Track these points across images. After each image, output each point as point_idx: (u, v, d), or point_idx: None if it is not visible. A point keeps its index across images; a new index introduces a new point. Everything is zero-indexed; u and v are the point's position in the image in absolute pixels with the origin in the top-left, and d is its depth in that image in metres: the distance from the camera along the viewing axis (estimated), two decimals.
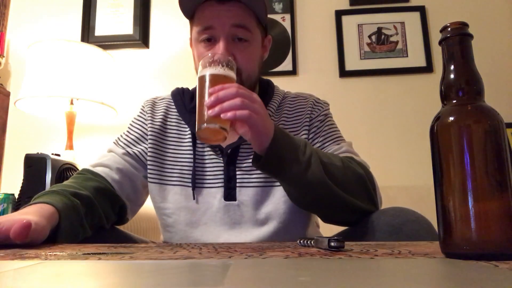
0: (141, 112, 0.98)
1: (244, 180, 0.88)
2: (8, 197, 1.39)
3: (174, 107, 0.96)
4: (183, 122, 0.94)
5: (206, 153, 0.90)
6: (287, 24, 1.94)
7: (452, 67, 0.44)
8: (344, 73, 1.89)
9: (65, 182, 0.83)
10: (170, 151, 0.92)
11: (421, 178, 1.69)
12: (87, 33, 1.99)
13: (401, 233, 0.72)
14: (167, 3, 2.03)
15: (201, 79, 0.74)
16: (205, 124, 0.70)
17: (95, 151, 1.86)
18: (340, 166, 0.78)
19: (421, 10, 1.91)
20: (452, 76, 0.44)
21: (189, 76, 1.83)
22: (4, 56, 1.98)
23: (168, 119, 0.95)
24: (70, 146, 1.69)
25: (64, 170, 1.42)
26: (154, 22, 2.02)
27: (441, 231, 0.43)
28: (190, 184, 0.89)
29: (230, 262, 0.40)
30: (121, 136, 0.96)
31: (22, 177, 1.37)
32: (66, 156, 1.62)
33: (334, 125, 0.95)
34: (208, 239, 0.87)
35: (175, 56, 1.96)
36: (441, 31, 0.46)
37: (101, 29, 1.99)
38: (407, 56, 1.88)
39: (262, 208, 0.87)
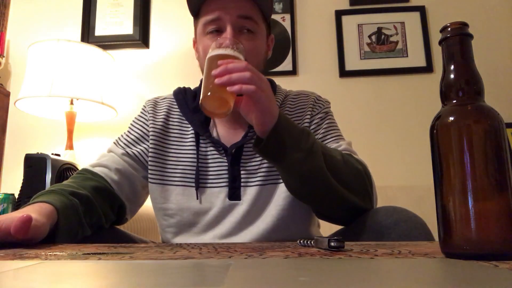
0: (142, 112, 0.97)
1: (248, 179, 0.88)
2: (8, 197, 1.39)
3: (176, 106, 0.96)
4: (185, 121, 0.93)
5: (209, 153, 0.90)
6: (287, 24, 1.94)
7: (452, 67, 0.44)
8: (344, 73, 1.89)
9: (64, 182, 0.83)
10: (172, 151, 0.92)
11: (421, 178, 1.69)
12: (87, 33, 1.99)
13: (393, 233, 0.72)
14: (167, 3, 2.03)
15: (210, 58, 0.74)
16: (211, 93, 0.70)
17: (95, 151, 1.86)
18: (340, 160, 0.78)
19: (421, 10, 1.91)
20: (452, 76, 0.44)
21: (189, 76, 1.84)
22: (4, 56, 1.98)
23: (170, 119, 0.95)
24: (70, 146, 1.69)
25: (64, 170, 1.42)
26: (154, 22, 2.02)
27: (441, 231, 0.43)
28: (192, 184, 0.88)
29: (230, 262, 0.40)
30: (122, 136, 0.96)
31: (22, 177, 1.37)
32: (66, 156, 1.63)
33: (334, 123, 0.95)
34: (211, 239, 0.87)
35: (175, 56, 1.96)
36: (441, 31, 0.46)
37: (101, 29, 1.99)
38: (407, 56, 1.89)
39: (264, 206, 0.87)
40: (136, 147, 0.93)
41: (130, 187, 0.90)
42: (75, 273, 0.36)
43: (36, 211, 0.66)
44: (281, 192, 0.87)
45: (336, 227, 0.89)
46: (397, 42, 1.90)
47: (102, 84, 1.68)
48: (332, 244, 0.48)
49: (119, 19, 2.00)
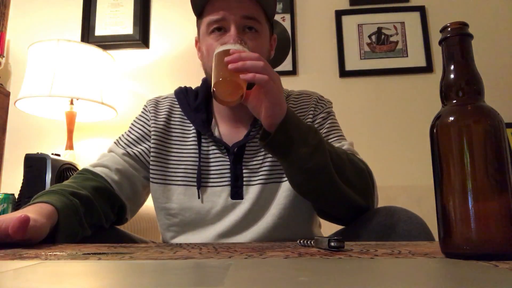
0: (143, 112, 0.97)
1: (250, 178, 0.88)
2: (8, 197, 1.40)
3: (177, 106, 0.96)
4: (187, 120, 0.93)
5: (211, 152, 0.90)
6: (287, 24, 1.94)
7: (452, 67, 0.44)
8: (344, 73, 1.89)
9: (65, 182, 0.83)
10: (174, 150, 0.92)
11: (421, 178, 1.69)
12: (87, 33, 1.99)
13: (393, 233, 0.72)
14: (167, 3, 2.03)
15: (219, 53, 0.74)
16: (223, 78, 0.70)
17: (95, 151, 1.86)
18: (345, 158, 0.78)
19: (421, 10, 1.91)
20: (452, 76, 0.44)
21: (190, 76, 1.83)
22: (4, 56, 1.98)
23: (172, 118, 0.95)
24: (70, 146, 1.69)
25: (64, 170, 1.42)
26: (154, 22, 2.02)
27: (441, 231, 0.43)
28: (194, 184, 0.88)
29: (230, 262, 0.40)
30: (122, 136, 0.96)
31: (22, 177, 1.37)
32: (66, 156, 1.63)
33: (336, 123, 0.95)
34: (213, 237, 0.87)
35: (175, 56, 1.96)
36: (441, 31, 0.46)
37: (101, 29, 1.99)
38: (407, 56, 1.88)
39: (266, 205, 0.87)
40: (137, 147, 0.93)
41: (131, 187, 0.90)
42: (75, 273, 0.36)
43: (36, 211, 0.66)
44: (283, 191, 0.87)
45: (336, 227, 0.89)
46: (397, 42, 1.90)
47: (102, 84, 1.68)
48: (332, 244, 0.48)
49: (119, 19, 2.00)
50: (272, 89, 0.70)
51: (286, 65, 1.90)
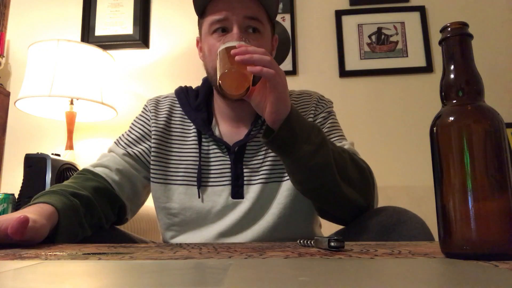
0: (144, 111, 0.97)
1: (251, 177, 0.88)
2: (8, 197, 1.39)
3: (178, 105, 0.96)
4: (187, 120, 0.93)
5: (211, 151, 0.90)
6: (287, 24, 1.94)
7: (452, 67, 0.44)
8: (344, 73, 1.89)
9: (65, 182, 0.83)
10: (175, 150, 0.92)
11: (421, 178, 1.69)
12: (87, 33, 1.99)
13: (394, 233, 0.72)
14: (167, 3, 2.03)
15: (224, 49, 0.74)
16: (229, 70, 0.69)
17: (95, 151, 1.86)
18: (346, 157, 0.78)
19: (421, 10, 1.91)
20: (452, 76, 0.44)
21: (190, 76, 1.84)
22: (4, 56, 1.98)
23: (172, 118, 0.94)
24: (70, 146, 1.69)
25: (64, 170, 1.42)
26: (154, 22, 2.02)
27: (441, 231, 0.43)
28: (195, 183, 0.88)
29: (230, 262, 0.40)
30: (123, 135, 0.96)
31: (22, 177, 1.37)
32: (66, 156, 1.63)
33: (337, 123, 0.95)
34: (213, 237, 0.87)
35: (175, 56, 1.96)
36: (441, 31, 0.46)
37: (101, 29, 1.99)
38: (407, 56, 1.89)
39: (267, 204, 0.87)
40: (137, 147, 0.93)
41: (131, 187, 0.90)
42: (75, 273, 0.36)
43: (36, 212, 0.66)
44: (284, 190, 0.87)
45: (336, 227, 0.89)
46: (397, 42, 1.90)
47: (102, 84, 1.68)
48: (332, 244, 0.48)
49: (119, 19, 2.00)
50: (279, 84, 0.70)
51: (286, 65, 1.90)
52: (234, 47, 0.72)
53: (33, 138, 1.92)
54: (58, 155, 1.47)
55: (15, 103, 1.66)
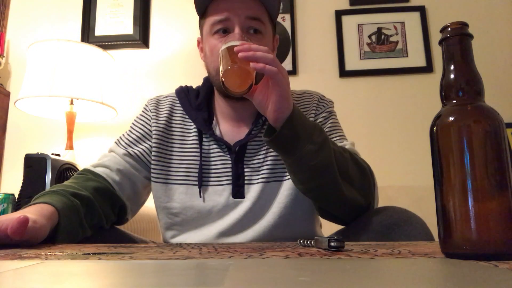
0: (144, 111, 0.97)
1: (252, 177, 0.88)
2: (8, 197, 1.39)
3: (178, 105, 0.96)
4: (188, 119, 0.93)
5: (212, 151, 0.90)
6: (287, 24, 1.94)
7: (452, 67, 0.44)
8: (344, 73, 1.89)
9: (66, 183, 0.83)
10: (175, 149, 0.91)
11: (421, 178, 1.69)
12: (87, 33, 1.99)
13: (393, 233, 0.72)
14: (167, 3, 2.03)
15: (226, 49, 0.74)
16: (231, 67, 0.69)
17: (95, 151, 1.86)
18: (347, 157, 0.78)
19: (421, 10, 1.91)
20: (452, 76, 0.44)
21: (190, 76, 1.84)
22: (4, 56, 1.98)
23: (173, 117, 0.94)
24: (70, 146, 1.69)
25: (64, 170, 1.42)
26: (154, 22, 2.02)
27: (441, 231, 0.43)
28: (195, 183, 0.88)
29: (230, 262, 0.40)
30: (123, 135, 0.96)
31: (22, 177, 1.37)
32: (66, 156, 1.63)
33: (338, 123, 0.95)
34: (214, 236, 0.87)
35: (175, 56, 1.96)
36: (441, 31, 0.46)
37: (101, 29, 1.99)
38: (407, 56, 1.89)
39: (267, 204, 0.87)
40: (138, 147, 0.92)
41: (132, 187, 0.90)
42: (75, 273, 0.36)
43: (37, 212, 0.66)
44: (284, 190, 0.87)
45: (336, 227, 0.89)
46: (397, 42, 1.90)
47: (102, 84, 1.68)
48: (332, 244, 0.48)
49: (119, 19, 2.00)
50: (282, 82, 0.70)
51: (286, 65, 1.90)
52: (237, 45, 0.72)
53: (33, 138, 1.92)
54: (58, 155, 1.47)
55: (15, 103, 1.66)
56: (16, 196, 1.39)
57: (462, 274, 0.33)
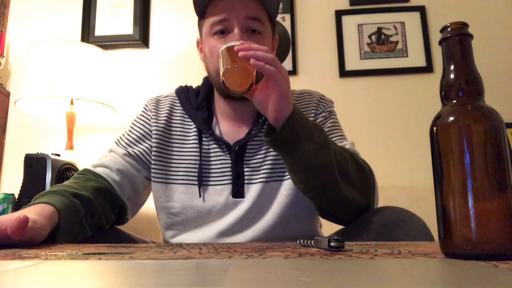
0: (144, 111, 0.97)
1: (252, 176, 0.88)
2: (8, 197, 1.39)
3: (178, 104, 0.96)
4: (188, 119, 0.93)
5: (212, 150, 0.90)
6: (287, 24, 1.94)
7: (452, 67, 0.44)
8: (344, 73, 1.89)
9: (66, 183, 0.83)
10: (175, 149, 0.91)
11: (421, 178, 1.69)
12: (87, 33, 1.99)
13: (393, 233, 0.72)
14: (167, 3, 2.03)
15: (227, 49, 0.74)
16: (231, 66, 0.69)
17: (95, 151, 1.86)
18: (347, 157, 0.78)
19: (421, 10, 1.91)
20: (452, 76, 0.44)
21: (190, 76, 1.83)
22: (4, 56, 1.98)
23: (173, 117, 0.94)
24: (70, 146, 1.69)
25: (64, 170, 1.42)
26: (154, 22, 2.02)
27: (441, 231, 0.43)
28: (195, 182, 0.88)
29: (230, 262, 0.40)
30: (123, 135, 0.96)
31: (22, 177, 1.37)
32: (66, 156, 1.62)
33: (338, 123, 0.95)
34: (214, 236, 0.87)
35: (175, 56, 1.96)
36: (441, 31, 0.46)
37: (101, 29, 1.99)
38: (407, 56, 1.89)
39: (267, 203, 0.87)
40: (138, 147, 0.92)
41: (132, 187, 0.90)
42: (75, 273, 0.36)
43: (37, 212, 0.66)
44: (284, 190, 0.87)
45: (336, 227, 0.89)
46: (397, 42, 1.90)
47: (102, 84, 1.68)
48: (332, 244, 0.48)
49: (119, 19, 2.00)
50: (282, 82, 0.70)
51: (286, 65, 1.90)
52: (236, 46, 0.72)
53: (33, 138, 1.92)
54: (58, 155, 1.47)
55: (15, 103, 1.66)
56: (16, 196, 1.39)
57: (462, 274, 0.33)
